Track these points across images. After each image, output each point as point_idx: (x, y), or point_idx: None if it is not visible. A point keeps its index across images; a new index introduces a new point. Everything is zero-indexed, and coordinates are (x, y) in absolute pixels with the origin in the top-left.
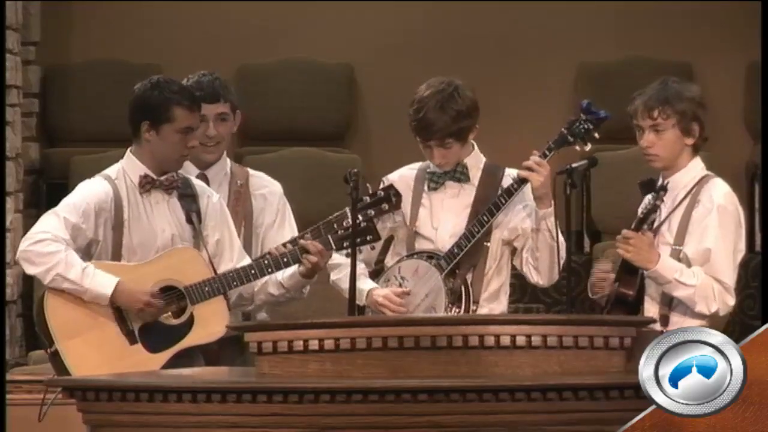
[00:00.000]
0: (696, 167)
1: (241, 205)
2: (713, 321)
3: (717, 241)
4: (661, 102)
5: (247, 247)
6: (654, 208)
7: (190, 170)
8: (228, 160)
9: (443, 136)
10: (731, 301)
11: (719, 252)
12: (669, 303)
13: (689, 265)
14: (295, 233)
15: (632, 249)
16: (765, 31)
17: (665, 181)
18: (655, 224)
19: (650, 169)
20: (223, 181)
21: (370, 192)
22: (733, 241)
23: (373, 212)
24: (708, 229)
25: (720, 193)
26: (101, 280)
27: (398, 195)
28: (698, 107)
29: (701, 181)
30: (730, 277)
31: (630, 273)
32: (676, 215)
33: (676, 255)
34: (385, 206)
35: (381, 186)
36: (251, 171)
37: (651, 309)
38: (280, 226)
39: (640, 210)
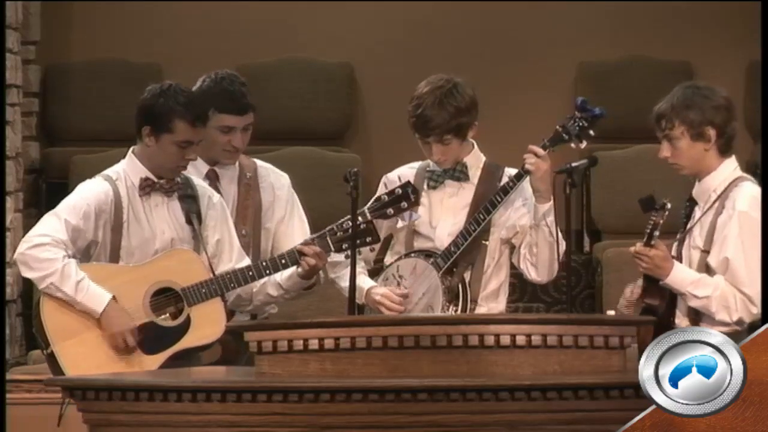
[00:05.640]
0: (727, 170)
1: (251, 197)
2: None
3: (737, 251)
4: (667, 112)
5: (256, 239)
6: (656, 226)
7: (199, 166)
8: None
9: (441, 132)
10: (755, 309)
11: (739, 261)
12: (696, 311)
13: (713, 273)
14: (305, 224)
15: (645, 262)
16: (765, 31)
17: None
18: (688, 226)
19: (645, 171)
20: (233, 175)
21: (387, 190)
22: (758, 248)
23: (392, 211)
24: (728, 238)
25: (743, 199)
26: (94, 297)
27: (416, 192)
28: (712, 110)
29: (731, 185)
30: (753, 286)
31: (653, 281)
32: (706, 219)
33: (705, 259)
34: (404, 204)
35: (385, 184)
36: (258, 162)
37: (682, 324)
38: (290, 218)
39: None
